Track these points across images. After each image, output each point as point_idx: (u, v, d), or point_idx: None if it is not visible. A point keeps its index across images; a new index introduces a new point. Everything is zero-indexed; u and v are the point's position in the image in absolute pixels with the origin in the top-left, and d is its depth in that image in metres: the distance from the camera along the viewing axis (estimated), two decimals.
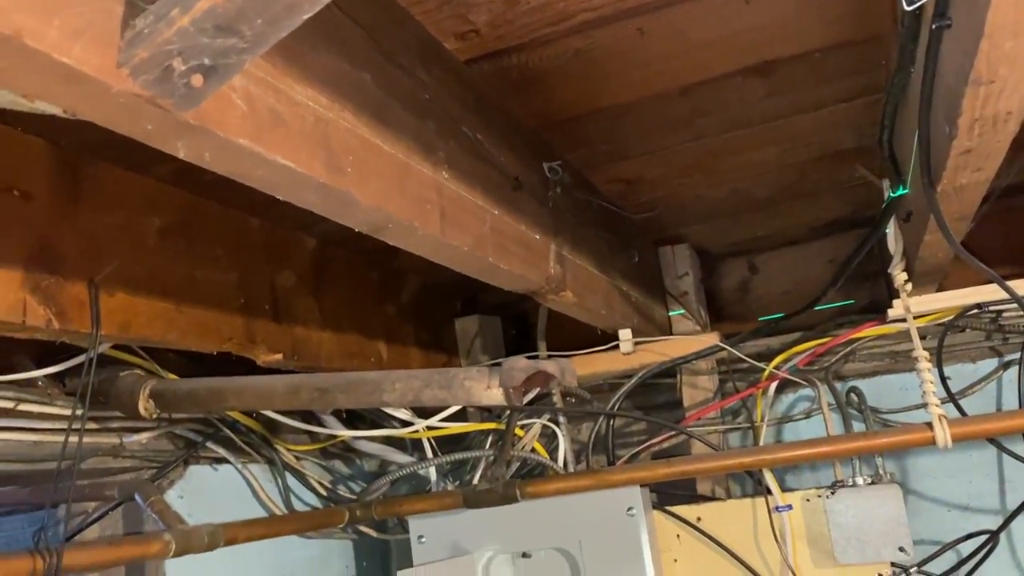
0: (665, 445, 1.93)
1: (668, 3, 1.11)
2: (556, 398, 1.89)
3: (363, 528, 2.00)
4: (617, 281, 1.72)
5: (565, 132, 1.46)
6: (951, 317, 1.70)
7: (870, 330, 1.78)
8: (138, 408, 1.41)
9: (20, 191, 1.10)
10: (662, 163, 1.67)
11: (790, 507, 1.65)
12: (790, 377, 1.80)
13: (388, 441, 1.91)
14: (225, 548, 1.41)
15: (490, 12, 1.07)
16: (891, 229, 1.57)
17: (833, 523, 1.61)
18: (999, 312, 1.73)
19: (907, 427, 1.55)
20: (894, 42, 1.10)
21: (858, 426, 1.77)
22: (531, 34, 1.13)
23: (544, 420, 1.84)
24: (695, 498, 1.86)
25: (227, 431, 1.73)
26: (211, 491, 1.77)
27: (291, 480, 1.94)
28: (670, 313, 2.13)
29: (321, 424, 1.84)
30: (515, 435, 1.80)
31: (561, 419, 1.85)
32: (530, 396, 1.40)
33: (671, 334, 2.06)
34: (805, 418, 2.00)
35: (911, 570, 1.62)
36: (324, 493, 2.00)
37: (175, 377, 1.50)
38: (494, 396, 1.23)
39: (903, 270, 1.60)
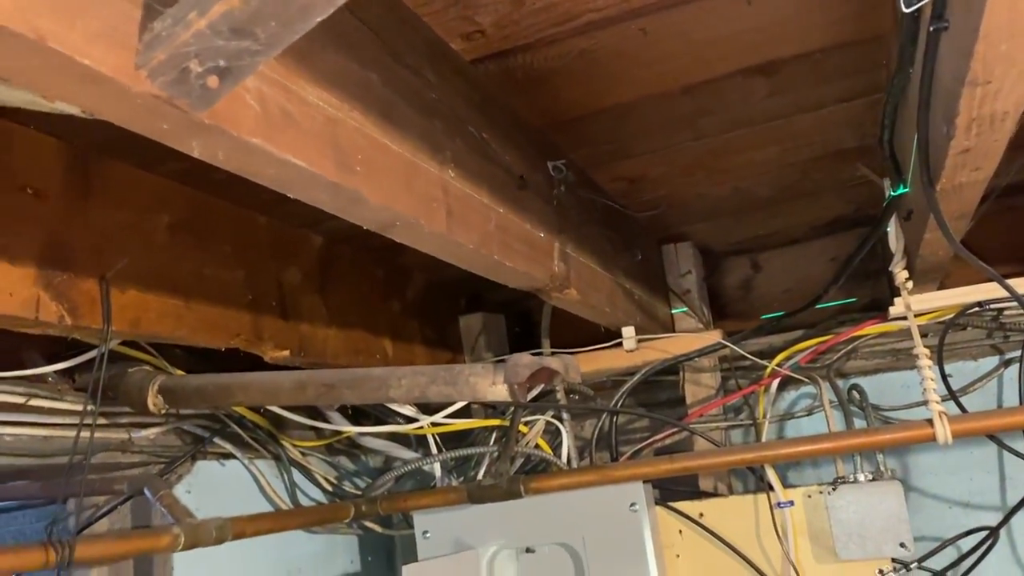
0: (668, 442, 1.94)
1: (671, 4, 1.12)
2: (560, 395, 1.90)
3: (368, 523, 2.02)
4: (620, 279, 1.74)
5: (569, 131, 1.48)
6: (952, 315, 1.71)
7: (871, 328, 1.79)
8: (147, 404, 1.43)
9: (33, 189, 1.12)
10: (665, 162, 1.69)
11: (792, 503, 1.66)
12: (792, 374, 1.81)
13: (393, 437, 1.92)
14: (231, 543, 1.43)
15: (496, 13, 1.08)
16: (892, 228, 1.58)
17: (834, 519, 1.62)
18: (1000, 310, 1.74)
19: (908, 424, 1.56)
20: (894, 42, 1.11)
21: (859, 423, 1.78)
22: (536, 35, 1.15)
23: (548, 416, 1.85)
24: (698, 494, 1.87)
25: (234, 427, 1.75)
26: (218, 486, 1.79)
27: (297, 476, 1.96)
28: (673, 311, 2.14)
29: (326, 420, 1.85)
30: (519, 431, 1.81)
31: (565, 416, 1.86)
32: (534, 393, 1.41)
33: (674, 332, 2.07)
34: (807, 415, 2.02)
35: (912, 566, 1.62)
36: (329, 489, 2.01)
37: (183, 373, 1.51)
38: (499, 392, 1.24)
39: (904, 268, 1.61)
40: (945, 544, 1.72)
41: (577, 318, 1.66)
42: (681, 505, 1.76)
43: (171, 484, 1.66)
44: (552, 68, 1.24)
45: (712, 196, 1.92)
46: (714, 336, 1.94)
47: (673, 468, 1.63)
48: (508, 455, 1.76)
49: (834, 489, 1.63)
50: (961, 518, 1.89)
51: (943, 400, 1.51)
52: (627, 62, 1.27)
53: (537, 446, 1.83)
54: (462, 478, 1.92)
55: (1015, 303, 1.56)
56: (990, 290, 1.67)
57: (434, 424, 1.80)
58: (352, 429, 1.86)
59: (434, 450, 1.86)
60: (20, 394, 1.35)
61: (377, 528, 2.06)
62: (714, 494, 1.87)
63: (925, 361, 1.53)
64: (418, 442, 1.98)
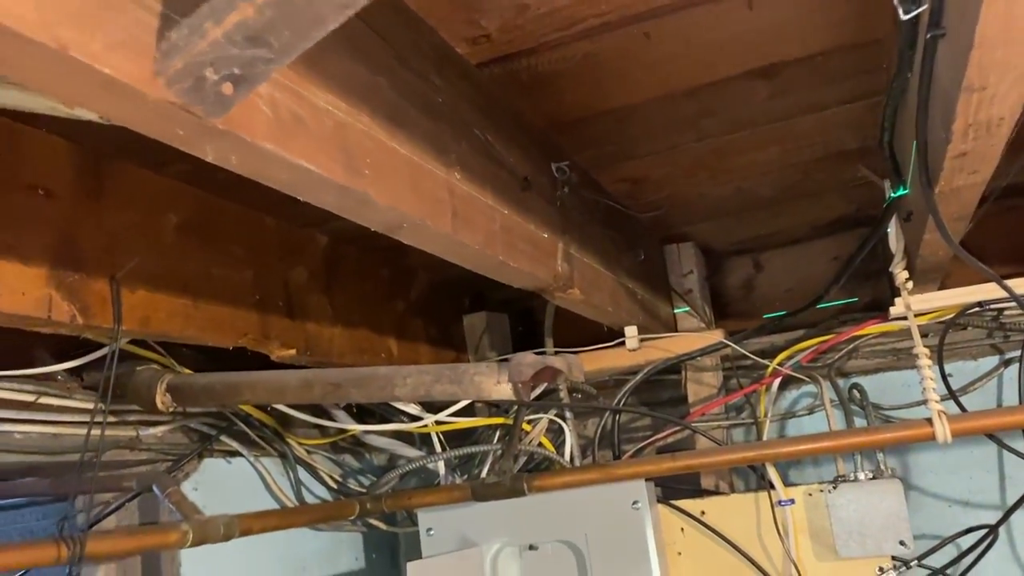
0: (670, 440, 1.95)
1: (673, 8, 1.14)
2: (563, 393, 1.91)
3: (372, 521, 2.03)
4: (623, 279, 1.75)
5: (573, 133, 1.49)
6: (952, 315, 1.72)
7: (872, 328, 1.80)
8: (155, 402, 1.45)
9: (45, 190, 1.14)
10: (668, 163, 1.70)
11: (792, 501, 1.67)
12: (793, 374, 1.82)
13: (397, 435, 1.93)
14: (237, 540, 1.44)
15: (501, 18, 1.10)
16: (892, 228, 1.60)
17: (835, 517, 1.63)
18: (1000, 310, 1.75)
19: (908, 423, 1.57)
20: (894, 46, 1.12)
21: (860, 422, 1.79)
22: (540, 39, 1.16)
23: (551, 415, 1.86)
24: (699, 492, 1.88)
25: (241, 425, 1.76)
26: (225, 483, 1.81)
27: (302, 473, 1.97)
28: (675, 310, 2.16)
29: (332, 419, 1.87)
30: (522, 430, 1.82)
31: (568, 414, 1.87)
32: (537, 391, 1.42)
33: (676, 331, 2.09)
34: (808, 414, 2.03)
35: (911, 563, 1.63)
36: (334, 486, 2.03)
37: (190, 372, 1.53)
38: (503, 391, 1.26)
39: (904, 269, 1.62)
40: (945, 542, 1.73)
41: (580, 317, 1.67)
42: (683, 503, 1.77)
43: (178, 481, 1.68)
44: (556, 71, 1.26)
45: (714, 196, 1.94)
46: (716, 335, 1.95)
47: (675, 466, 1.64)
48: (511, 453, 1.77)
49: (835, 487, 1.65)
50: (961, 516, 1.90)
51: (943, 399, 1.52)
52: (630, 65, 1.28)
53: (540, 444, 1.84)
54: (466, 476, 1.93)
55: (1015, 303, 1.57)
56: (990, 290, 1.68)
57: (438, 422, 1.81)
58: (357, 427, 1.87)
59: (438, 448, 1.87)
60: (30, 392, 1.37)
61: (381, 525, 2.07)
62: (716, 492, 1.89)
63: (925, 361, 1.54)
64: (422, 440, 1.99)
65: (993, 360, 1.93)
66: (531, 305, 2.35)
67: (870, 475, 1.65)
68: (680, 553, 1.76)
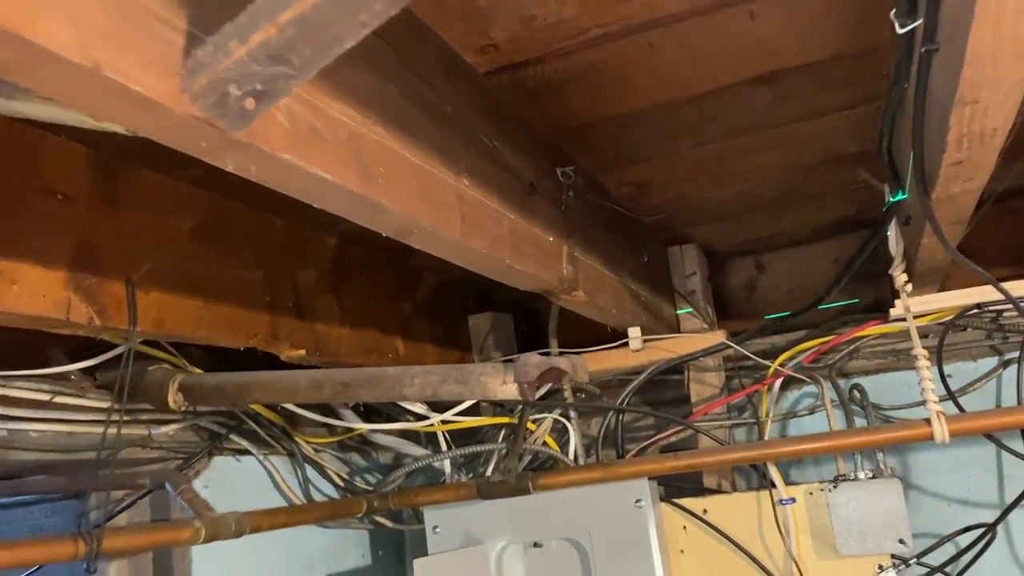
0: (673, 439, 1.97)
1: (677, 19, 1.16)
2: (567, 393, 1.93)
3: (379, 518, 2.05)
4: (627, 280, 1.77)
5: (578, 138, 1.51)
6: (951, 316, 1.74)
7: (873, 329, 1.82)
8: (168, 401, 1.47)
9: (63, 195, 1.17)
10: (671, 167, 1.72)
11: (793, 500, 1.69)
12: (795, 374, 1.84)
13: (403, 434, 1.95)
14: (246, 537, 1.46)
15: (508, 29, 1.12)
16: (892, 232, 1.61)
17: (835, 516, 1.64)
18: (999, 312, 1.77)
19: (907, 423, 1.58)
20: (893, 55, 1.15)
21: (860, 422, 1.81)
22: (547, 48, 1.19)
23: (556, 415, 1.88)
24: (702, 491, 1.89)
25: (250, 424, 1.79)
26: (234, 481, 1.83)
27: (310, 472, 2.00)
28: (678, 311, 2.17)
29: (339, 418, 1.89)
30: (527, 429, 1.84)
31: (572, 414, 1.88)
32: (542, 391, 1.44)
33: (679, 332, 2.10)
34: (809, 414, 2.05)
35: (911, 562, 1.65)
36: (342, 484, 2.05)
37: (201, 372, 1.56)
38: (509, 391, 1.28)
39: (903, 271, 1.64)
40: (943, 540, 1.75)
41: (584, 318, 1.69)
42: (685, 501, 1.78)
43: (189, 479, 1.70)
44: (562, 79, 1.28)
45: (716, 199, 1.96)
46: (718, 336, 1.97)
47: (678, 465, 1.66)
48: (516, 452, 1.78)
49: (835, 486, 1.66)
50: (959, 515, 1.92)
51: (942, 400, 1.54)
52: (634, 73, 1.30)
53: (545, 443, 1.86)
54: (471, 474, 1.95)
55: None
56: (989, 292, 1.68)
57: (444, 422, 1.83)
58: (364, 426, 1.89)
59: (444, 447, 1.89)
60: (46, 391, 1.40)
61: (388, 523, 2.09)
62: (718, 491, 1.90)
63: (924, 362, 1.56)
64: (428, 439, 2.01)
65: (992, 361, 1.94)
66: (536, 306, 2.37)
67: (870, 474, 1.67)
68: (683, 551, 1.77)
